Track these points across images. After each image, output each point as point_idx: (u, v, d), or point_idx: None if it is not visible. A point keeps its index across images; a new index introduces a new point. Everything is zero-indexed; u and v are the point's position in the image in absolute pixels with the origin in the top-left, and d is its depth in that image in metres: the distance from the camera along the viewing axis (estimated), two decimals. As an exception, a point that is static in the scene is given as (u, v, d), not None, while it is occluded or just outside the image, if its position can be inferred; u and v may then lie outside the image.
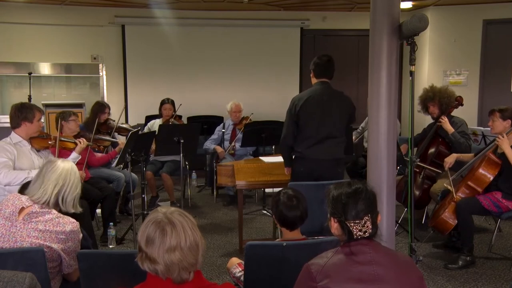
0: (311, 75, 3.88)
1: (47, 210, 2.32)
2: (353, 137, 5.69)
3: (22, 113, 3.64)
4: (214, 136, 6.17)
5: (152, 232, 1.57)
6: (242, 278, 2.46)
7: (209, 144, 6.09)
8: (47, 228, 2.27)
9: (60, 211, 2.40)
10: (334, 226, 1.81)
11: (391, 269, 1.71)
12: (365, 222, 1.75)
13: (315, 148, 3.73)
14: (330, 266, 1.71)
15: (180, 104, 5.88)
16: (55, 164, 2.45)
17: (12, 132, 3.68)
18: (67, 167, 2.46)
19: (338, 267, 1.70)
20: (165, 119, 5.78)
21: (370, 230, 1.76)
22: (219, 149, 5.95)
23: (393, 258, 1.77)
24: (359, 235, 1.75)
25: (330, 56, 3.87)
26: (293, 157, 3.89)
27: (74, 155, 4.10)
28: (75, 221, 2.37)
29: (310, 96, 3.75)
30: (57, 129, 4.34)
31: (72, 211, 2.44)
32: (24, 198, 2.35)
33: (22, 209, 2.30)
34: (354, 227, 1.75)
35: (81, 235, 2.40)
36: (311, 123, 3.74)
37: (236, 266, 2.64)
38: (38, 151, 3.82)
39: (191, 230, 1.59)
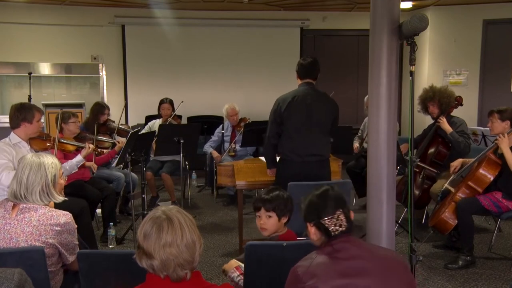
0: (296, 76, 3.90)
1: (38, 205, 2.33)
2: (355, 144, 5.69)
3: (21, 113, 3.61)
4: (214, 138, 6.17)
5: (149, 227, 1.59)
6: (240, 282, 2.43)
7: (207, 148, 6.10)
8: (41, 222, 2.27)
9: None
10: (312, 231, 1.88)
11: (375, 262, 1.76)
12: (338, 216, 1.83)
13: (300, 150, 3.71)
14: (315, 266, 1.75)
15: (182, 101, 5.80)
16: (26, 160, 2.38)
17: (12, 132, 3.66)
18: (36, 161, 2.38)
19: (323, 265, 1.75)
20: (164, 119, 5.78)
21: (345, 224, 1.83)
22: (215, 154, 5.95)
23: (375, 251, 1.84)
24: (336, 229, 1.81)
25: (315, 58, 3.92)
26: (278, 159, 3.85)
27: (79, 158, 4.08)
28: (68, 213, 2.38)
29: (294, 97, 3.74)
30: (57, 130, 4.32)
31: (60, 199, 2.42)
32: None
33: (14, 205, 2.32)
34: (329, 223, 1.82)
35: (75, 226, 2.40)
36: (295, 124, 3.72)
37: (234, 270, 2.60)
38: (37, 152, 3.77)
39: (189, 228, 1.60)
